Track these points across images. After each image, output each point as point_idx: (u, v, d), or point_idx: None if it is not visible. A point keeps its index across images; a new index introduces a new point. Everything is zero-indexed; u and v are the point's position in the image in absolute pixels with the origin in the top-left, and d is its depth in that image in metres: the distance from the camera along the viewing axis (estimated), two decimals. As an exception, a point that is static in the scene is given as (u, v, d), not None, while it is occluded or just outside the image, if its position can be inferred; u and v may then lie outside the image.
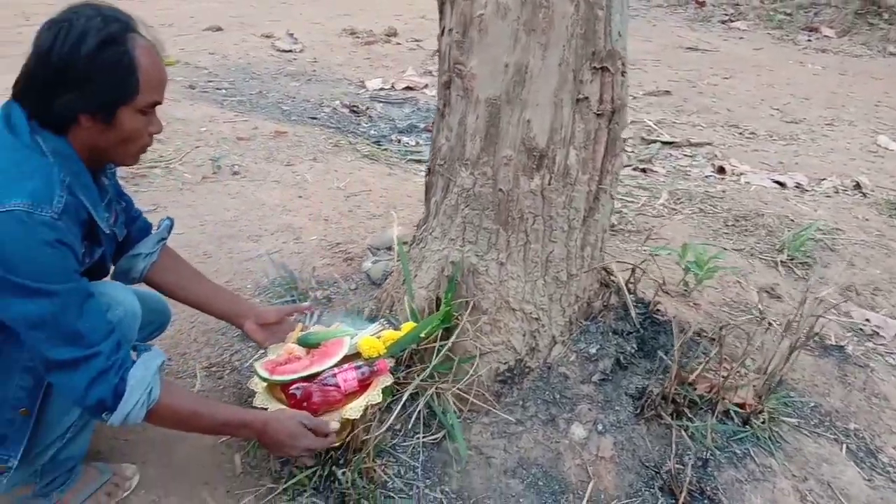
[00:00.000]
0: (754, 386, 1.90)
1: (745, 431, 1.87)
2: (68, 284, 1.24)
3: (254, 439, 1.57)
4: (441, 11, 1.81)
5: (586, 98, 1.70)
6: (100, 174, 1.44)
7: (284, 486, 1.60)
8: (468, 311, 1.77)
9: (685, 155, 4.40)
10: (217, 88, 5.08)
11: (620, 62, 1.74)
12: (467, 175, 1.77)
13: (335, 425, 1.53)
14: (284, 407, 1.56)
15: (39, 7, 1.26)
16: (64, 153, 1.27)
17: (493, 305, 1.80)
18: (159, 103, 1.34)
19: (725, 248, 2.93)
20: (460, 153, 1.78)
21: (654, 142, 4.56)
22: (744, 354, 1.81)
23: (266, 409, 1.57)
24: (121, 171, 3.24)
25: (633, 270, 2.01)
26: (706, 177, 4.00)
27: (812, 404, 2.09)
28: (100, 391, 1.27)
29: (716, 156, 4.34)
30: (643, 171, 4.05)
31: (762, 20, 9.25)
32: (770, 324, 1.98)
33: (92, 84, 1.22)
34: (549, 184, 1.74)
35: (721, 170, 4.07)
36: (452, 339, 1.75)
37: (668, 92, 5.67)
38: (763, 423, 1.88)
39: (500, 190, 1.75)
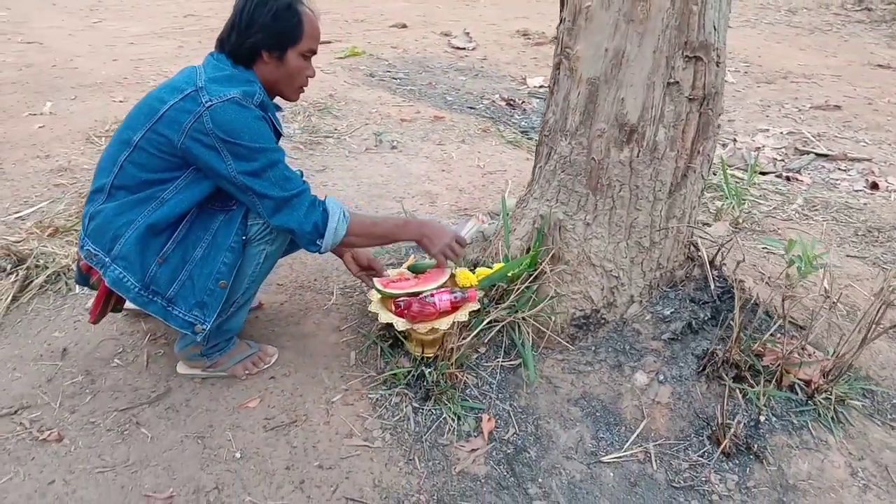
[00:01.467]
0: (822, 366, 2.00)
1: (807, 407, 1.98)
2: (275, 145, 1.72)
3: (416, 236, 1.96)
4: (562, 4, 2.10)
5: (677, 83, 1.92)
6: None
7: (384, 377, 1.99)
8: (549, 257, 2.05)
9: (839, 169, 4.29)
10: (393, 78, 5.66)
11: (715, 53, 1.94)
12: (566, 144, 2.05)
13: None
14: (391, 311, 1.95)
15: None
16: (254, 79, 1.76)
17: (575, 258, 2.07)
18: (314, 52, 1.82)
19: (849, 255, 2.94)
20: (562, 125, 2.06)
21: (808, 153, 4.49)
22: (808, 330, 1.93)
23: (378, 314, 1.97)
24: (303, 138, 3.85)
25: (720, 247, 2.18)
26: (855, 191, 3.91)
27: (895, 400, 2.13)
28: (314, 216, 1.75)
29: (872, 172, 4.20)
30: (787, 178, 4.04)
31: (984, 39, 8.42)
32: (835, 302, 2.05)
33: (272, 28, 1.72)
34: (638, 156, 1.98)
35: (874, 185, 3.95)
36: (532, 277, 2.04)
37: (837, 107, 5.46)
38: (828, 401, 1.98)
39: (593, 159, 2.01)
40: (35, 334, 2.18)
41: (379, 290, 2.01)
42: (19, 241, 2.58)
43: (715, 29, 1.91)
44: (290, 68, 1.80)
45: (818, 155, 4.48)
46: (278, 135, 1.86)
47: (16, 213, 2.90)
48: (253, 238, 1.82)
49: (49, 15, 7.39)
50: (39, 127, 3.93)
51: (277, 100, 1.90)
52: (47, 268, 2.42)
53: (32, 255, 2.46)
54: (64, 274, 2.42)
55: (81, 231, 1.79)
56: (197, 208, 1.76)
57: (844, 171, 4.27)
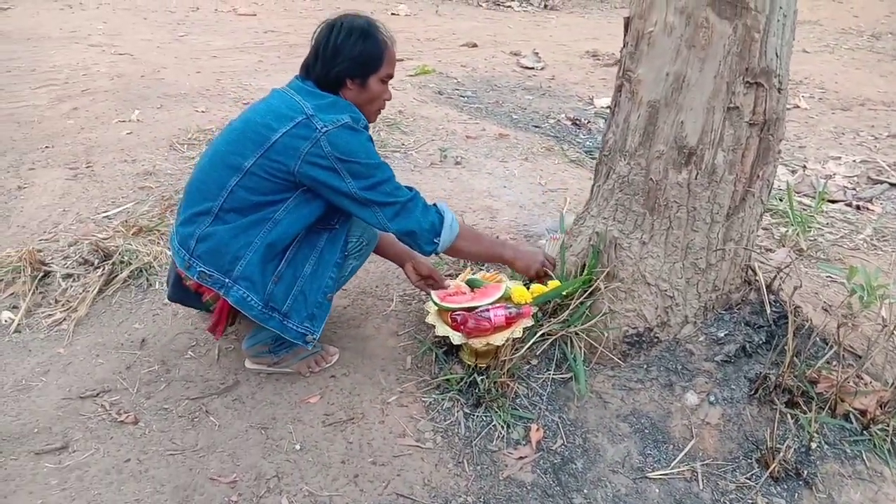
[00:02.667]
0: (880, 397, 1.98)
1: (862, 437, 1.96)
2: (384, 162, 1.86)
3: (511, 258, 2.13)
4: (625, 29, 2.16)
5: (737, 108, 1.94)
6: None
7: (437, 382, 2.07)
8: (604, 275, 2.09)
9: (915, 199, 4.17)
10: (461, 96, 5.78)
11: (777, 80, 1.96)
12: (624, 164, 2.10)
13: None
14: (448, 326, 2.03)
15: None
16: (351, 105, 1.89)
17: (630, 277, 2.11)
18: (392, 77, 1.94)
19: (918, 288, 2.86)
20: (621, 146, 2.11)
21: (882, 182, 4.37)
22: (864, 358, 1.91)
23: (434, 326, 2.05)
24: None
25: (777, 272, 2.17)
26: (931, 222, 3.78)
27: (959, 438, 2.07)
28: (430, 216, 1.90)
29: (951, 204, 4.06)
30: (857, 207, 3.94)
31: None
32: (893, 332, 2.02)
33: (357, 59, 1.85)
34: (696, 178, 2.01)
35: (951, 218, 3.82)
36: (586, 293, 2.09)
37: (917, 136, 5.29)
38: (885, 433, 1.95)
39: (651, 179, 2.05)
40: (117, 325, 2.35)
41: (436, 303, 2.10)
42: (106, 239, 2.78)
43: (777, 56, 1.93)
44: (371, 93, 1.92)
45: (892, 185, 4.36)
46: None
47: (104, 212, 3.13)
48: (349, 253, 1.97)
49: (141, 28, 7.84)
50: (127, 133, 4.20)
51: None
52: (131, 264, 2.60)
53: (118, 252, 2.65)
54: (145, 270, 2.60)
55: (183, 252, 1.87)
56: (305, 230, 1.89)
57: (921, 201, 4.14)
